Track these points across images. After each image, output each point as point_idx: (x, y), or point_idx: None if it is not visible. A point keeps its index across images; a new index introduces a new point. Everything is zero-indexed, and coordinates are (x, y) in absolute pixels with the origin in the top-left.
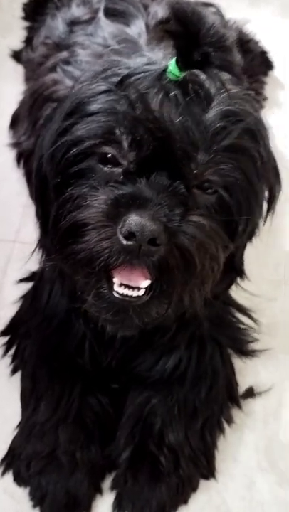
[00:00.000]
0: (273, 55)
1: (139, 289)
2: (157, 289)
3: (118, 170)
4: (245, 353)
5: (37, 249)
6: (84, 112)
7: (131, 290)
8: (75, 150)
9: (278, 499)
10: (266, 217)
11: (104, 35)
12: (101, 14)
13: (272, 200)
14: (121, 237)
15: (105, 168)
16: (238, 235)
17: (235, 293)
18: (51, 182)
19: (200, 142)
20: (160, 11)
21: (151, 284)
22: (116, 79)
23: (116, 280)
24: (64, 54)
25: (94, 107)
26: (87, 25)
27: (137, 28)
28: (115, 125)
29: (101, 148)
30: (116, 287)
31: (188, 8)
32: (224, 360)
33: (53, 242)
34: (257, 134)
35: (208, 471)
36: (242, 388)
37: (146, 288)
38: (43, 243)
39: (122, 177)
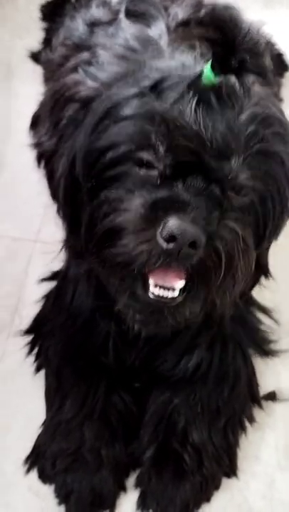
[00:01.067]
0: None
1: (174, 289)
2: (191, 290)
3: (154, 173)
4: (266, 353)
5: (62, 249)
6: (117, 115)
7: (166, 291)
8: (110, 154)
9: None
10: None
11: (125, 36)
12: (122, 15)
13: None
14: (161, 241)
15: (141, 172)
16: (267, 236)
17: (257, 293)
18: (85, 185)
19: (234, 147)
20: (180, 13)
21: (185, 285)
22: (147, 82)
23: (151, 281)
24: (85, 55)
25: (127, 111)
26: (108, 27)
27: (158, 30)
28: (151, 130)
29: (137, 154)
30: (151, 288)
31: (226, 14)
32: (246, 360)
33: (88, 245)
34: (286, 137)
35: (231, 470)
36: (263, 388)
37: (180, 289)
38: (70, 244)
39: (160, 180)
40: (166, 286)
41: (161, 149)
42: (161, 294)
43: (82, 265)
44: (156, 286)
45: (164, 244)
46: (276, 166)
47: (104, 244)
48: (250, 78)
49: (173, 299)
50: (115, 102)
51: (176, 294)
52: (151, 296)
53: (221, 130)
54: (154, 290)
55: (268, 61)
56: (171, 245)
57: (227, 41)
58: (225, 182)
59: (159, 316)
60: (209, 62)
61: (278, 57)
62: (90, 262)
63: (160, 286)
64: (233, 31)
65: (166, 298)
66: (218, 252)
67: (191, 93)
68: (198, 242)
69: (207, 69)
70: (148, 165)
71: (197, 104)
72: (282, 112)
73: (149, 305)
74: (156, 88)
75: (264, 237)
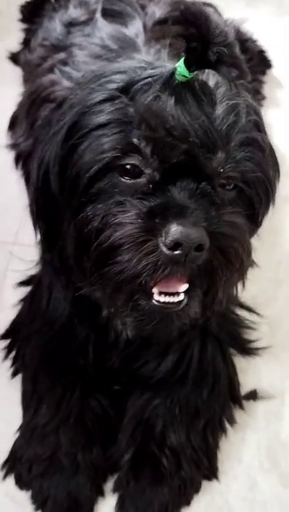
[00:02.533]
0: (271, 54)
1: (178, 294)
2: (195, 291)
3: (142, 180)
4: (247, 351)
5: (38, 258)
6: (90, 124)
7: (171, 297)
8: (95, 167)
9: (281, 499)
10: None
11: (101, 35)
12: (98, 15)
13: (274, 186)
14: (165, 249)
15: (128, 181)
16: (259, 225)
17: (238, 292)
18: (65, 202)
19: (218, 140)
20: (158, 11)
21: (188, 287)
22: (114, 85)
23: (155, 289)
24: (61, 55)
25: (101, 118)
26: (85, 26)
27: (135, 29)
28: (131, 135)
29: (123, 160)
30: (156, 296)
31: (195, 8)
32: (226, 360)
33: (84, 265)
34: (261, 123)
35: (211, 472)
36: (244, 387)
37: (184, 292)
38: (47, 260)
39: (150, 187)
40: (171, 291)
41: (148, 151)
42: (166, 301)
43: (61, 280)
44: (160, 293)
45: (170, 253)
46: (258, 152)
47: (104, 262)
48: (226, 70)
49: (179, 303)
50: (85, 109)
51: (181, 297)
52: (156, 304)
53: (203, 126)
54: (158, 298)
55: (238, 50)
56: (177, 252)
57: (201, 36)
58: (214, 178)
59: (166, 322)
60: (182, 59)
61: (260, 54)
62: (89, 283)
63: (164, 293)
64: (205, 25)
65: (172, 303)
66: (222, 249)
67: (167, 92)
68: (203, 244)
69: (180, 66)
70: (134, 172)
71: (175, 101)
72: (253, 99)
73: (154, 313)
74: (128, 90)
75: (255, 223)
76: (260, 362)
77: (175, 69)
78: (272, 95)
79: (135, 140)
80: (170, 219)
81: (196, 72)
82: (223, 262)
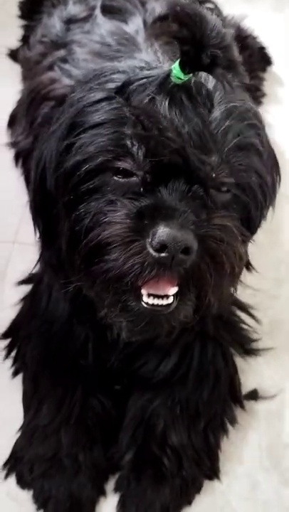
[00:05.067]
0: (272, 51)
1: (167, 296)
2: (185, 293)
3: (134, 180)
4: (248, 352)
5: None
6: (87, 123)
7: (160, 299)
8: (86, 167)
9: (282, 499)
10: (268, 210)
11: (101, 32)
12: (98, 11)
13: (274, 191)
14: (152, 251)
15: (120, 180)
16: (253, 229)
17: (238, 291)
18: (60, 199)
19: (212, 144)
20: (158, 8)
21: (178, 290)
22: (113, 85)
23: (144, 291)
24: (61, 52)
25: (97, 117)
26: (84, 23)
27: (135, 25)
28: (124, 136)
29: (114, 163)
30: (145, 298)
31: (190, 10)
32: (226, 360)
33: (74, 263)
34: (259, 127)
35: (212, 472)
36: (245, 388)
37: (173, 294)
38: (45, 259)
39: (141, 187)
40: (160, 294)
41: (140, 155)
42: (155, 303)
43: (59, 278)
44: (149, 295)
45: (156, 254)
46: (254, 157)
47: (92, 260)
48: (221, 73)
49: (168, 306)
50: (83, 108)
51: (170, 300)
52: (145, 306)
53: (197, 128)
54: (147, 300)
55: (236, 53)
56: (163, 254)
57: (195, 39)
58: (207, 181)
59: (154, 324)
60: (177, 61)
61: (260, 50)
62: (78, 280)
63: (153, 295)
64: (200, 28)
65: (161, 306)
66: (211, 252)
67: (162, 94)
68: (190, 248)
69: (175, 68)
70: (127, 173)
71: (169, 103)
72: (253, 102)
73: (143, 315)
74: (124, 91)
75: (250, 228)
76: (261, 362)
77: (171, 71)
78: (273, 92)
79: (128, 142)
80: (158, 220)
81: (191, 74)
82: (212, 265)
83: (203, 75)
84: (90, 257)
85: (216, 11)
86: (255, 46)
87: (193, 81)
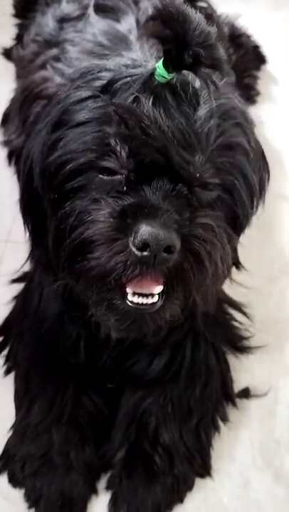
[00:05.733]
0: (266, 49)
1: (152, 295)
2: (171, 292)
3: (118, 178)
4: (240, 349)
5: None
6: (72, 121)
7: (145, 298)
8: (71, 165)
9: (274, 497)
10: (257, 207)
11: (94, 31)
12: (91, 10)
13: (262, 189)
14: (134, 249)
15: (105, 178)
16: (240, 228)
17: (230, 289)
18: (46, 197)
19: (196, 144)
20: (151, 7)
21: (163, 288)
22: (99, 83)
23: (129, 290)
24: (54, 51)
25: (82, 116)
26: (77, 22)
27: (128, 24)
28: (108, 135)
29: (98, 163)
30: (130, 297)
31: (173, 9)
32: (218, 358)
33: (59, 260)
34: (246, 126)
35: (204, 470)
36: (237, 385)
37: (159, 293)
38: (35, 257)
39: (125, 186)
40: (145, 293)
41: (123, 154)
42: (140, 302)
43: (49, 276)
44: (134, 294)
45: (138, 253)
46: (240, 156)
47: (76, 258)
48: (206, 72)
49: (153, 304)
50: (68, 106)
51: (155, 299)
52: (130, 304)
53: (181, 127)
54: (132, 298)
55: (221, 51)
56: (145, 253)
57: (177, 38)
58: (191, 180)
59: (140, 323)
60: (161, 60)
61: (255, 49)
62: (63, 278)
63: (138, 294)
64: (182, 26)
65: (146, 305)
66: (194, 252)
67: (146, 92)
68: (172, 247)
69: (159, 66)
70: (111, 171)
71: (153, 102)
72: (240, 101)
73: (128, 313)
74: (109, 89)
75: (236, 227)
76: (253, 360)
77: (155, 69)
78: (267, 91)
79: (112, 141)
80: (140, 219)
81: (174, 73)
82: (195, 264)
83: (189, 73)
84: (74, 255)
85: (210, 9)
86: (249, 45)
87: (178, 80)
